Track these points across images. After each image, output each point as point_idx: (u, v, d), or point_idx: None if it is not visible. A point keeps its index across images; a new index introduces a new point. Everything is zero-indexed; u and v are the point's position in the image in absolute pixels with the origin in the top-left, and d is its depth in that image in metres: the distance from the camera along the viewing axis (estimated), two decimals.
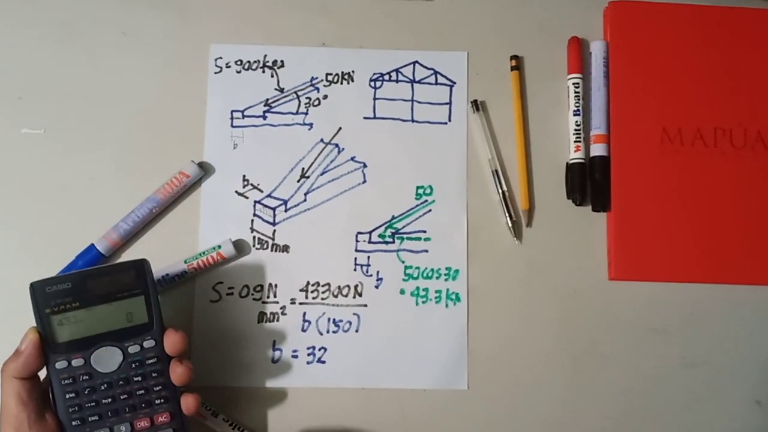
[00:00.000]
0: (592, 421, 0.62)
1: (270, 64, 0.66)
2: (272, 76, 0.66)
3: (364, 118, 0.66)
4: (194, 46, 0.66)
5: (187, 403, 0.51)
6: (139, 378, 0.50)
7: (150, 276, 0.51)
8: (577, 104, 0.65)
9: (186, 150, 0.64)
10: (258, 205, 0.64)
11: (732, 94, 0.66)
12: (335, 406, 0.61)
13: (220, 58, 0.66)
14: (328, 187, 0.65)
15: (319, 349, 0.62)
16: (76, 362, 0.49)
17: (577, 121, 0.65)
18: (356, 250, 0.64)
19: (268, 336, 0.62)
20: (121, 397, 0.50)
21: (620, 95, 0.66)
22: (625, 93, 0.66)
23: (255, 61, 0.66)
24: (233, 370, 0.61)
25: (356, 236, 0.64)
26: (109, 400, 0.49)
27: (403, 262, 0.64)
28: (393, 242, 0.64)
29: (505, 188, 0.64)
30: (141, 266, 0.51)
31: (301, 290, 0.63)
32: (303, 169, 0.65)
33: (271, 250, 0.63)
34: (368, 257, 0.64)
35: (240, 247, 0.63)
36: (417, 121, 0.66)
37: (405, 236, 0.64)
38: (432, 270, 0.64)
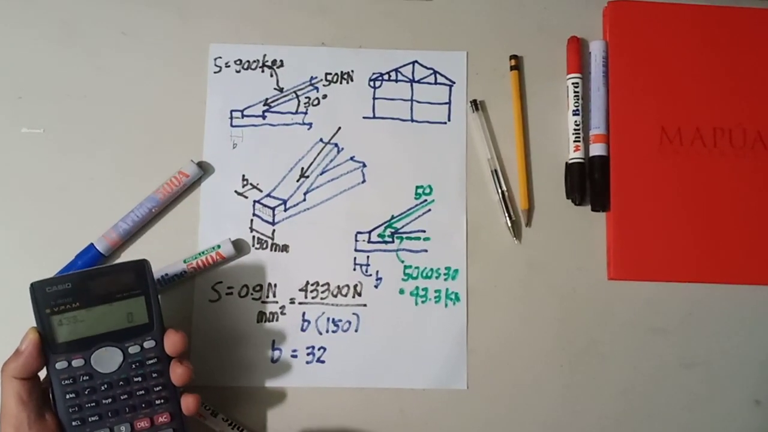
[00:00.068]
0: (592, 421, 0.62)
1: (269, 63, 0.66)
2: (272, 75, 0.66)
3: (364, 117, 0.66)
4: (194, 45, 0.66)
5: (187, 403, 0.51)
6: (139, 378, 0.50)
7: (150, 276, 0.51)
8: (577, 104, 0.65)
9: (185, 149, 0.64)
10: (257, 205, 0.64)
11: (731, 94, 0.66)
12: (335, 405, 0.61)
13: (220, 57, 0.66)
14: (328, 187, 0.65)
15: (319, 349, 0.62)
16: (76, 362, 0.49)
17: (576, 121, 0.65)
18: (356, 250, 0.64)
19: (267, 336, 0.62)
20: (121, 398, 0.50)
21: (619, 95, 0.66)
22: (624, 93, 0.66)
23: (254, 61, 0.66)
24: (233, 369, 0.61)
25: (356, 236, 0.64)
26: (109, 400, 0.50)
27: (402, 261, 0.64)
28: (392, 242, 0.64)
29: (504, 188, 0.64)
30: (141, 266, 0.51)
31: (300, 290, 0.63)
32: (302, 168, 0.65)
33: (271, 250, 0.63)
34: (368, 257, 0.64)
35: (239, 246, 0.63)
36: (416, 121, 0.66)
37: (404, 236, 0.64)
38: (431, 270, 0.64)
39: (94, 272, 0.51)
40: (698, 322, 0.64)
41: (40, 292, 0.49)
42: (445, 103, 0.67)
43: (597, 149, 0.65)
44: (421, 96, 0.66)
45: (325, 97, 0.66)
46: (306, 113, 0.66)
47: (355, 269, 0.63)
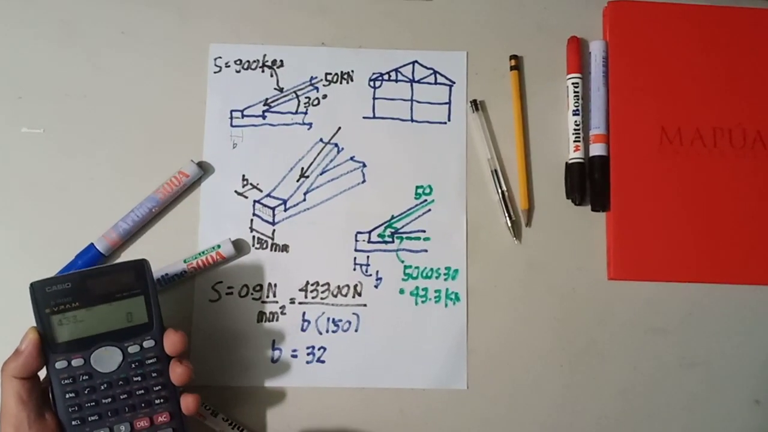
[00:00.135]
0: (591, 421, 0.62)
1: (269, 63, 0.66)
2: (272, 75, 0.66)
3: (364, 117, 0.66)
4: (194, 45, 0.66)
5: (187, 402, 0.51)
6: (139, 378, 0.50)
7: (150, 276, 0.51)
8: (577, 104, 0.65)
9: (185, 149, 0.64)
10: (257, 205, 0.64)
11: (731, 94, 0.66)
12: (335, 405, 0.61)
13: (220, 57, 0.66)
14: (328, 187, 0.65)
15: (319, 349, 0.62)
16: (76, 362, 0.49)
17: (576, 121, 0.65)
18: (356, 250, 0.64)
19: (267, 335, 0.62)
20: (121, 397, 0.50)
21: (619, 95, 0.66)
22: (624, 93, 0.66)
23: (254, 61, 0.66)
24: (232, 369, 0.61)
25: (356, 236, 0.64)
26: (109, 399, 0.50)
27: (402, 261, 0.64)
28: (392, 242, 0.64)
29: (504, 188, 0.64)
30: (141, 266, 0.51)
31: (300, 290, 0.63)
32: (302, 168, 0.65)
33: (271, 250, 0.63)
34: (367, 257, 0.64)
35: (239, 246, 0.63)
36: (416, 121, 0.66)
37: (404, 236, 0.64)
38: (431, 270, 0.64)
39: (93, 272, 0.51)
40: (698, 322, 0.64)
41: (40, 291, 0.49)
42: (445, 103, 0.67)
43: (597, 149, 0.65)
44: (421, 96, 0.66)
45: (325, 97, 0.66)
46: (306, 113, 0.66)
47: (355, 269, 0.63)
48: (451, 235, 0.64)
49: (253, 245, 0.63)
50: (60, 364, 0.49)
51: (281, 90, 0.66)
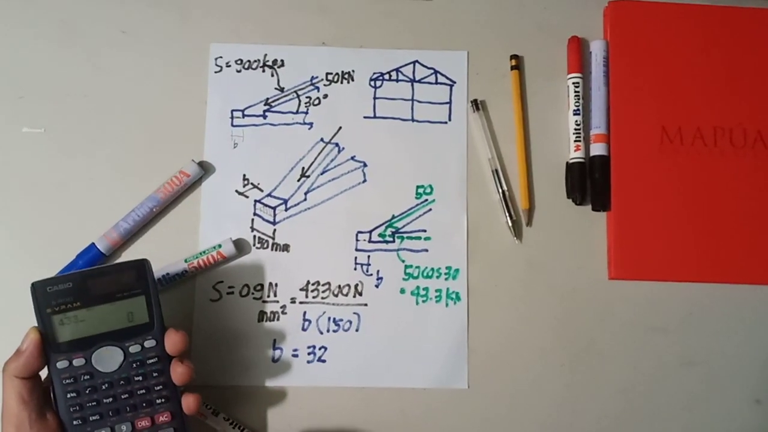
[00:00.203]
0: (592, 420, 0.62)
1: (270, 63, 0.66)
2: (272, 75, 0.66)
3: (364, 117, 0.66)
4: (194, 45, 0.66)
5: (188, 402, 0.51)
6: (140, 377, 0.50)
7: (151, 276, 0.51)
8: (577, 104, 0.65)
9: (186, 149, 0.64)
10: (258, 205, 0.64)
11: (732, 93, 0.66)
12: (335, 405, 0.61)
13: (221, 57, 0.66)
14: (329, 187, 0.65)
15: (320, 349, 0.62)
16: (77, 362, 0.49)
17: (577, 121, 0.65)
18: (356, 250, 0.64)
19: (268, 335, 0.62)
20: (122, 397, 0.50)
21: (620, 95, 0.66)
22: (625, 92, 0.66)
23: (255, 61, 0.66)
24: (233, 369, 0.61)
25: (356, 235, 0.64)
26: (110, 399, 0.50)
27: (403, 261, 0.64)
28: (393, 241, 0.64)
29: (505, 187, 0.64)
30: (142, 266, 0.51)
31: (301, 289, 0.63)
32: (303, 168, 0.65)
33: (272, 250, 0.63)
34: (368, 256, 0.64)
35: (240, 246, 0.63)
36: (417, 121, 0.66)
37: (405, 235, 0.64)
38: (432, 269, 0.64)
39: (94, 272, 0.51)
40: (699, 322, 0.64)
41: (41, 291, 0.49)
42: (446, 103, 0.67)
43: (597, 149, 0.65)
44: (422, 96, 0.67)
45: (325, 96, 0.66)
46: (307, 113, 0.66)
47: (355, 269, 0.63)
48: (451, 234, 0.64)
49: (254, 245, 0.63)
50: (61, 364, 0.49)
51: (282, 90, 0.66)
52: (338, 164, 0.65)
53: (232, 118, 0.65)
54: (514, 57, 0.67)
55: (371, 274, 0.63)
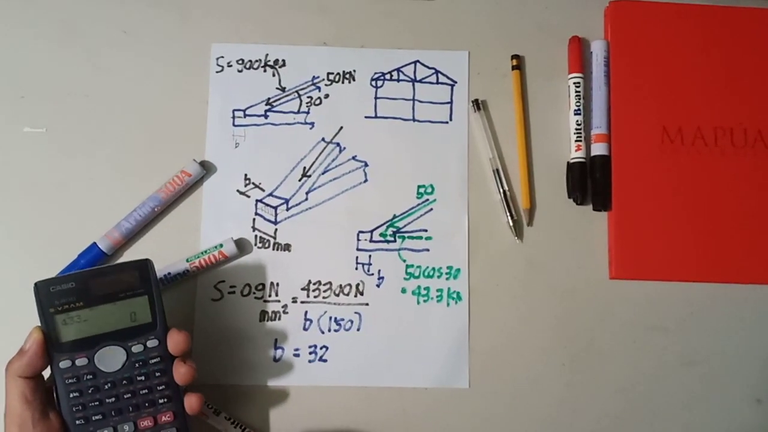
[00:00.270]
0: (593, 419, 0.62)
1: (271, 63, 0.66)
2: (274, 75, 0.66)
3: (366, 117, 0.66)
4: (195, 45, 0.66)
5: (191, 402, 0.51)
6: (143, 377, 0.50)
7: (153, 276, 0.52)
8: (578, 103, 0.66)
9: (188, 149, 0.64)
10: (259, 204, 0.64)
11: (732, 93, 0.66)
12: (337, 404, 0.61)
13: (222, 57, 0.66)
14: (330, 186, 0.65)
15: (321, 348, 0.62)
16: (80, 361, 0.49)
17: (577, 121, 0.65)
18: (357, 249, 0.64)
19: (269, 335, 0.62)
20: (125, 397, 0.50)
21: (621, 94, 0.66)
22: (625, 92, 0.66)
23: (256, 61, 0.66)
24: (235, 368, 0.61)
25: (357, 235, 0.64)
26: (113, 399, 0.50)
27: (404, 261, 0.64)
28: (394, 241, 0.64)
29: (506, 187, 0.64)
30: (144, 266, 0.51)
31: (302, 289, 0.63)
32: (304, 168, 0.65)
33: (273, 249, 0.64)
34: (369, 256, 0.64)
35: (241, 245, 0.63)
36: (418, 121, 0.66)
37: (406, 235, 0.64)
38: (433, 269, 0.64)
39: (97, 272, 0.51)
40: (699, 321, 0.64)
41: (44, 291, 0.49)
42: (447, 103, 0.67)
43: (598, 149, 0.65)
44: (423, 95, 0.67)
45: (327, 96, 0.66)
46: (308, 113, 0.66)
47: (357, 268, 0.64)
48: (452, 234, 0.64)
49: (256, 244, 0.64)
50: (64, 364, 0.49)
51: (283, 89, 0.66)
52: (339, 164, 0.65)
53: (233, 117, 0.65)
54: (515, 57, 0.67)
55: (372, 274, 0.63)
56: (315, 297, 0.63)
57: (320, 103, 0.66)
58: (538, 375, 0.62)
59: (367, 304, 0.63)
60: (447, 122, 0.66)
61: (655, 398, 0.62)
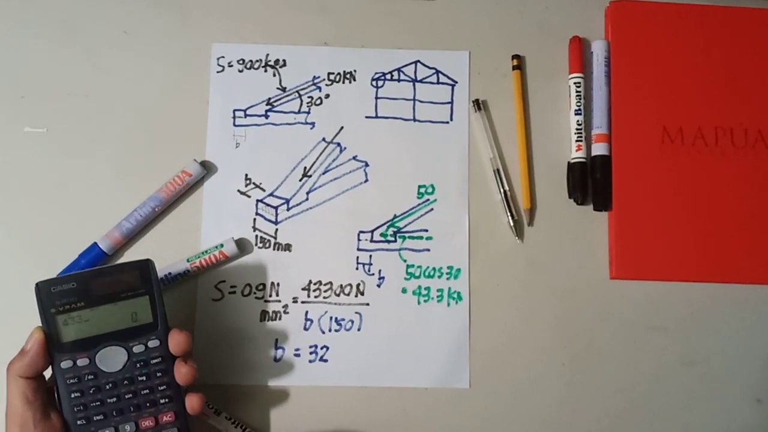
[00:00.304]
0: (592, 419, 0.62)
1: (272, 63, 0.66)
2: (274, 75, 0.66)
3: (366, 117, 0.66)
4: (196, 45, 0.66)
5: (192, 402, 0.51)
6: (144, 377, 0.50)
7: (155, 276, 0.52)
8: (579, 103, 0.66)
9: (188, 149, 0.64)
10: (260, 204, 0.64)
11: (733, 93, 0.66)
12: (337, 404, 0.61)
13: (223, 57, 0.66)
14: (330, 186, 0.65)
15: (321, 348, 0.62)
16: (81, 362, 0.49)
17: (578, 121, 0.65)
18: (358, 249, 0.64)
19: (270, 334, 0.62)
20: (126, 397, 0.50)
21: (621, 95, 0.66)
22: (626, 92, 0.66)
23: (257, 61, 0.66)
24: (235, 368, 0.61)
25: (358, 235, 0.64)
26: (114, 399, 0.50)
27: (404, 261, 0.64)
28: (395, 241, 0.64)
29: (506, 187, 0.65)
30: (146, 266, 0.51)
31: (303, 289, 0.63)
32: (305, 168, 0.65)
33: (274, 249, 0.64)
34: (370, 256, 0.64)
35: (242, 245, 0.63)
36: (419, 121, 0.66)
37: (407, 235, 0.64)
38: (434, 269, 0.64)
39: (98, 272, 0.51)
40: (699, 321, 0.64)
41: (45, 291, 0.49)
42: (448, 103, 0.67)
43: (599, 149, 0.65)
44: (424, 95, 0.67)
45: (327, 96, 0.66)
46: (309, 113, 0.66)
47: (357, 268, 0.64)
48: (453, 234, 0.64)
49: (256, 244, 0.64)
50: (65, 364, 0.49)
51: (284, 89, 0.66)
52: (340, 164, 0.65)
53: (234, 117, 0.65)
54: (515, 57, 0.67)
55: (373, 274, 0.64)
56: (315, 297, 0.63)
57: (321, 103, 0.66)
58: (538, 375, 0.62)
59: (367, 304, 0.63)
60: (447, 122, 0.66)
61: (655, 398, 0.62)
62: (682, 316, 0.64)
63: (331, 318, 0.63)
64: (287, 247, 0.64)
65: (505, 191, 0.64)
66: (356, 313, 0.63)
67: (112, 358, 0.50)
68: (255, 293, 0.63)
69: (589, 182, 0.65)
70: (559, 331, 0.63)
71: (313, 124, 0.66)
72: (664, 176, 0.65)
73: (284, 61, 0.66)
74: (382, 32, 0.68)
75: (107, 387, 0.50)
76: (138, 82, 0.66)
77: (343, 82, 0.67)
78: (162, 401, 0.51)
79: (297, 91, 0.66)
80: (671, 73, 0.66)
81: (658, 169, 0.65)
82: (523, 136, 0.66)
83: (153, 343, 0.51)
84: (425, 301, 0.63)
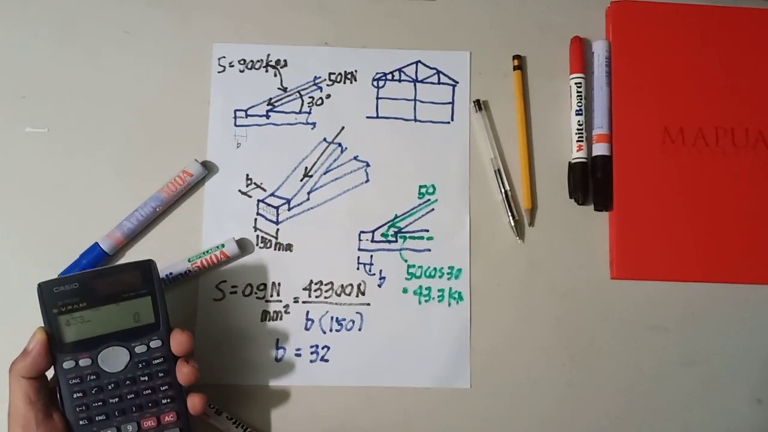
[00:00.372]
0: (593, 419, 0.62)
1: (273, 63, 0.67)
2: (275, 75, 0.66)
3: (367, 117, 0.66)
4: (197, 45, 0.66)
5: (194, 402, 0.52)
6: (146, 378, 0.51)
7: (156, 276, 0.52)
8: (580, 104, 0.66)
9: (189, 149, 0.64)
10: (261, 204, 0.64)
11: (733, 93, 0.66)
12: (338, 404, 0.61)
13: (224, 57, 0.66)
14: (331, 186, 0.65)
15: (322, 348, 0.62)
16: (84, 362, 0.50)
17: (579, 121, 0.65)
18: (359, 249, 0.64)
19: (271, 334, 0.62)
20: (128, 397, 0.50)
21: (622, 95, 0.66)
22: (627, 92, 0.66)
23: (258, 61, 0.66)
24: (236, 368, 0.61)
25: (359, 235, 0.64)
26: (116, 399, 0.50)
27: (405, 261, 0.64)
28: (396, 241, 0.64)
29: (507, 187, 0.65)
30: (147, 267, 0.52)
31: (304, 289, 0.63)
32: (306, 168, 0.65)
33: (275, 249, 0.64)
34: (371, 256, 0.64)
35: (243, 245, 0.63)
36: (420, 121, 0.66)
37: (408, 235, 0.64)
38: (435, 269, 0.64)
39: (100, 272, 0.51)
40: (700, 321, 0.64)
41: (48, 292, 0.49)
42: (449, 103, 0.67)
43: (600, 149, 0.65)
44: (425, 96, 0.67)
45: (328, 96, 0.66)
46: (310, 113, 0.66)
47: (358, 268, 0.64)
48: (454, 234, 0.64)
49: (257, 244, 0.64)
50: (67, 364, 0.49)
51: (285, 90, 0.66)
52: (341, 164, 0.65)
53: (235, 117, 0.65)
54: (516, 57, 0.67)
55: (374, 274, 0.64)
56: (316, 297, 0.63)
57: (322, 103, 0.66)
58: (539, 375, 0.63)
59: (368, 304, 0.63)
60: (448, 122, 0.66)
61: (656, 398, 0.63)
62: (683, 316, 0.64)
63: (332, 318, 0.63)
64: (288, 247, 0.64)
65: (505, 191, 0.64)
66: (357, 313, 0.63)
67: (114, 359, 0.50)
68: (256, 293, 0.63)
69: (590, 182, 0.65)
70: (560, 331, 0.63)
71: (314, 124, 0.66)
72: (665, 176, 0.65)
73: (285, 61, 0.67)
74: (383, 32, 0.68)
75: (109, 387, 0.50)
76: (139, 82, 0.66)
77: (344, 83, 0.67)
78: (164, 401, 0.51)
79: (298, 92, 0.66)
80: (672, 73, 0.66)
81: (658, 169, 0.65)
82: (524, 136, 0.66)
83: (155, 344, 0.51)
84: (426, 301, 0.63)
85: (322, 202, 0.65)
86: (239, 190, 0.64)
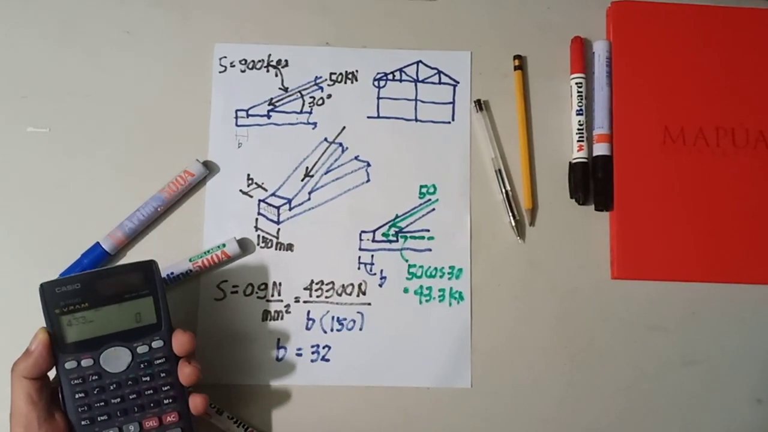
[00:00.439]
0: (594, 419, 0.62)
1: (274, 63, 0.67)
2: (276, 75, 0.66)
3: (368, 117, 0.66)
4: (198, 45, 0.66)
5: (195, 402, 0.52)
6: (148, 378, 0.51)
7: (158, 276, 0.52)
8: (580, 104, 0.66)
9: (190, 149, 0.64)
10: (262, 204, 0.64)
11: (734, 93, 0.66)
12: (339, 404, 0.61)
13: (225, 57, 0.66)
14: (332, 186, 0.65)
15: (323, 348, 0.62)
16: (86, 362, 0.50)
17: (580, 121, 0.65)
18: (360, 249, 0.64)
19: (272, 334, 0.62)
20: (130, 397, 0.50)
21: (623, 95, 0.66)
22: (627, 92, 0.66)
23: (259, 61, 0.66)
24: (237, 368, 0.61)
25: (360, 235, 0.64)
26: (118, 399, 0.50)
27: (406, 260, 0.64)
28: (396, 241, 0.64)
29: (508, 187, 0.65)
30: (149, 267, 0.52)
31: (305, 289, 0.63)
32: (307, 168, 0.65)
33: (276, 249, 0.64)
34: (372, 256, 0.64)
35: (244, 245, 0.63)
36: (420, 121, 0.66)
37: (408, 235, 0.65)
38: (435, 269, 0.64)
39: (102, 273, 0.51)
40: (700, 321, 0.64)
41: (50, 292, 0.49)
42: (449, 103, 0.67)
43: (600, 149, 0.65)
44: (425, 96, 0.67)
45: (329, 96, 0.66)
46: (311, 113, 0.66)
47: (359, 268, 0.64)
48: (454, 234, 0.65)
49: (258, 244, 0.64)
50: (69, 365, 0.49)
51: (286, 90, 0.66)
52: (342, 164, 0.65)
53: (236, 117, 0.65)
54: (517, 57, 0.67)
55: (375, 274, 0.64)
56: (317, 297, 0.63)
57: (323, 103, 0.66)
58: (539, 374, 0.63)
59: (369, 304, 0.63)
60: (449, 122, 0.66)
61: (656, 398, 0.63)
62: (683, 316, 0.64)
63: (332, 318, 0.63)
64: (289, 247, 0.64)
65: (506, 191, 0.65)
66: (358, 312, 0.63)
67: (116, 359, 0.50)
68: (257, 293, 0.63)
69: (591, 182, 0.65)
70: (560, 331, 0.63)
71: (315, 124, 0.66)
72: (666, 176, 0.65)
73: (286, 61, 0.67)
74: (384, 32, 0.68)
75: (111, 387, 0.50)
76: (140, 82, 0.66)
77: (345, 83, 0.67)
78: (166, 401, 0.51)
79: (299, 91, 0.66)
80: (673, 74, 0.66)
81: (659, 169, 0.65)
82: (524, 136, 0.66)
83: (157, 344, 0.51)
84: (427, 300, 0.63)
85: (323, 202, 0.65)
86: (240, 190, 0.64)
